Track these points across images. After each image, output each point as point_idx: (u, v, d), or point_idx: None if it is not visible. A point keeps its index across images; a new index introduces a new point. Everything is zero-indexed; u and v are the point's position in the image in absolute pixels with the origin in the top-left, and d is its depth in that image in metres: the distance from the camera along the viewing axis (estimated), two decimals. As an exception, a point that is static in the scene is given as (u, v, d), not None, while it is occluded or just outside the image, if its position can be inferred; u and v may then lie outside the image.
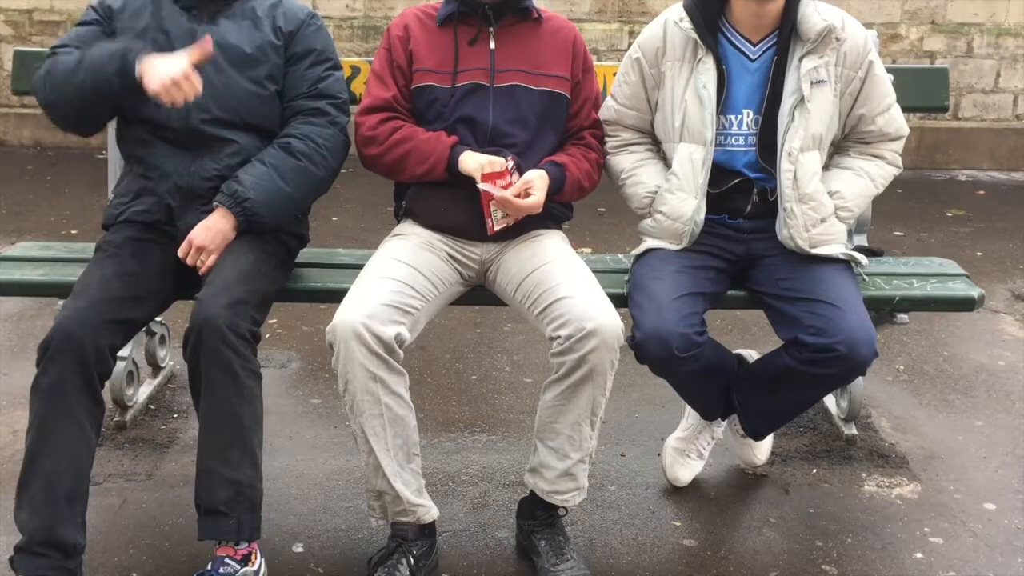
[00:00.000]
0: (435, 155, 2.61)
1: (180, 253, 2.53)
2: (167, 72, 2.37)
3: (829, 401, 3.34)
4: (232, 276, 2.46)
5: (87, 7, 2.76)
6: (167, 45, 2.64)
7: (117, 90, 2.47)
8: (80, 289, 2.44)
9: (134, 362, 3.27)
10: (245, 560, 2.36)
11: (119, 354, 3.14)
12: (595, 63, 2.86)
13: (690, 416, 2.96)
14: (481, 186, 2.54)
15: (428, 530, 2.50)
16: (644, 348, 2.52)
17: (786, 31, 2.64)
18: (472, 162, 2.58)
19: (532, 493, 2.57)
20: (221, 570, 2.33)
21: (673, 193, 2.70)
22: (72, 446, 2.30)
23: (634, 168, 2.80)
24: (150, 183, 2.64)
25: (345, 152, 2.75)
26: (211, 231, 2.55)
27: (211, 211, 2.58)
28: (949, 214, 5.94)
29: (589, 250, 4.46)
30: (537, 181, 2.58)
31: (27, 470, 2.29)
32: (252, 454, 2.37)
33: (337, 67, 2.79)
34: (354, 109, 2.83)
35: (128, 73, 2.42)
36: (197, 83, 2.39)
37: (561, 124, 2.76)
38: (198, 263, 2.53)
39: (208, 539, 2.37)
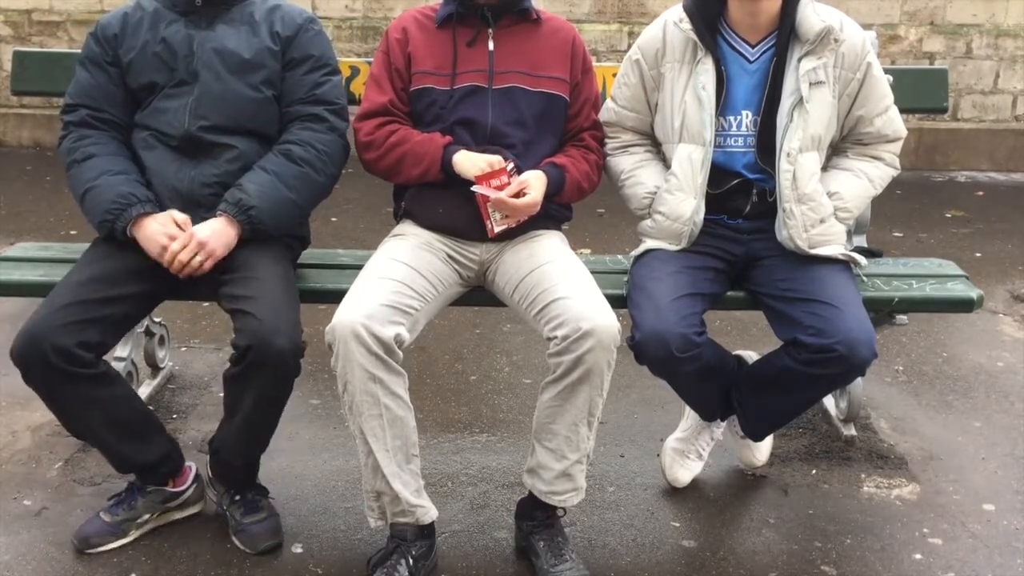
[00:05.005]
0: (429, 156, 2.61)
1: (178, 245, 2.48)
2: (161, 243, 2.51)
3: (828, 402, 3.34)
4: (279, 292, 2.48)
5: (87, 36, 2.73)
6: (167, 53, 2.64)
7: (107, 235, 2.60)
8: (51, 294, 2.47)
9: (133, 363, 3.28)
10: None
11: (117, 355, 3.19)
12: (594, 64, 2.86)
13: (689, 417, 2.96)
14: (475, 188, 2.54)
15: (427, 531, 2.50)
16: (643, 349, 2.52)
17: (785, 32, 2.64)
18: (467, 163, 2.58)
19: (530, 494, 2.57)
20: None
21: (672, 193, 2.71)
22: (96, 406, 2.46)
23: (634, 169, 2.80)
24: (151, 187, 2.62)
25: (345, 157, 2.74)
26: (219, 236, 2.53)
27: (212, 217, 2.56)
28: (948, 215, 5.95)
29: (588, 251, 4.46)
30: (533, 181, 2.58)
31: (78, 435, 2.62)
32: (265, 446, 2.67)
33: (335, 72, 2.78)
34: (354, 110, 2.83)
35: (117, 233, 2.54)
36: (185, 254, 2.50)
37: (560, 125, 2.76)
38: (194, 262, 2.49)
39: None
